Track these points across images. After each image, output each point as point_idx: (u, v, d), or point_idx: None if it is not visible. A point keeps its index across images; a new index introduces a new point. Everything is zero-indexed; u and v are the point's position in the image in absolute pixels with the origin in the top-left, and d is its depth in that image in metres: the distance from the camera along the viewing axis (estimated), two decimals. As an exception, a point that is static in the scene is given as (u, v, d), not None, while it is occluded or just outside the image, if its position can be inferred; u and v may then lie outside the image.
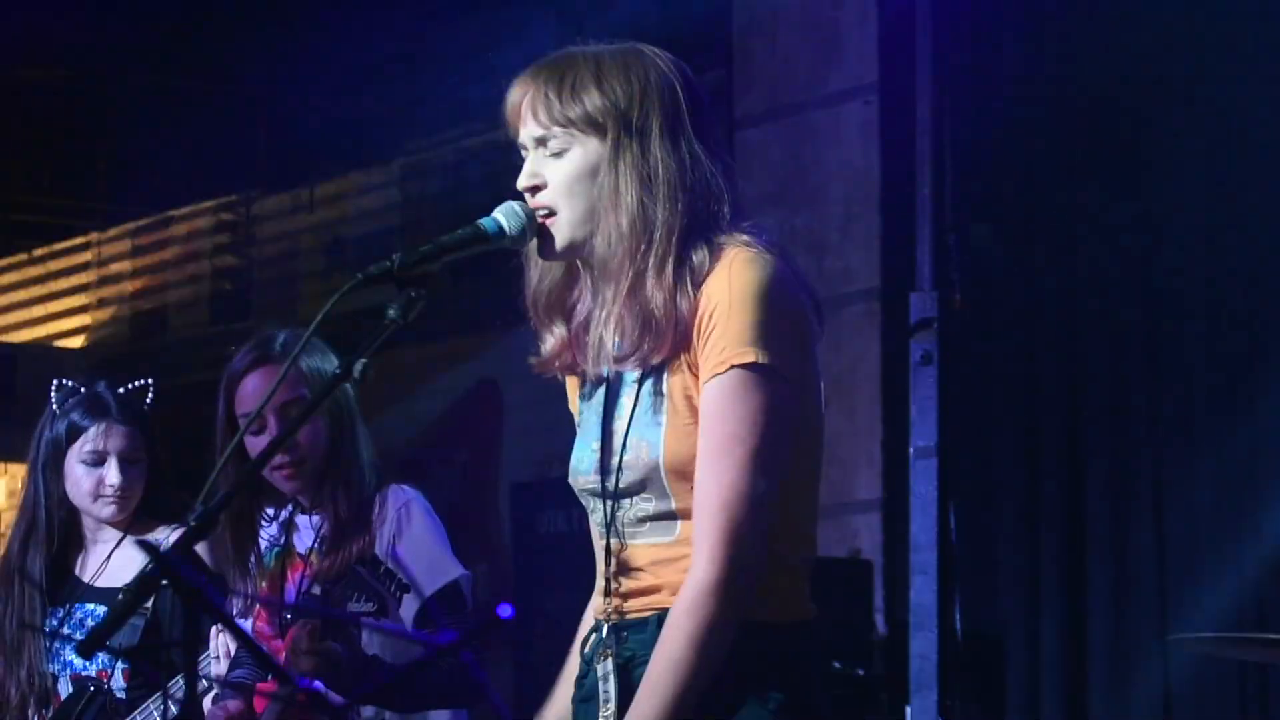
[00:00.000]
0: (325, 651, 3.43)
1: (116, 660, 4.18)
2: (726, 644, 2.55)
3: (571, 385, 2.85)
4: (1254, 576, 5.38)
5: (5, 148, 9.36)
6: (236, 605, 3.90)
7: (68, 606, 4.27)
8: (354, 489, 3.80)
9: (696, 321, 2.60)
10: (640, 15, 6.46)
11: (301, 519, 3.91)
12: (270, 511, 3.93)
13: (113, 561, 4.32)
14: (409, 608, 3.73)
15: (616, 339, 2.63)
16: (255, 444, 3.83)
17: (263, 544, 3.92)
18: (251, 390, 3.83)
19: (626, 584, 2.67)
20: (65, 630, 4.23)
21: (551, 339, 2.74)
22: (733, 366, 2.56)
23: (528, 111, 2.67)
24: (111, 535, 4.33)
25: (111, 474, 4.27)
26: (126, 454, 4.30)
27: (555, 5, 6.22)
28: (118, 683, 4.21)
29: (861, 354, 6.46)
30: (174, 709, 3.97)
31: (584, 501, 2.75)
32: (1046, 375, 5.89)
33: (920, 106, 5.22)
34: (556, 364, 2.77)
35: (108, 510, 4.29)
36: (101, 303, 10.69)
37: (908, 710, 5.17)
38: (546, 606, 6.77)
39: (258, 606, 3.88)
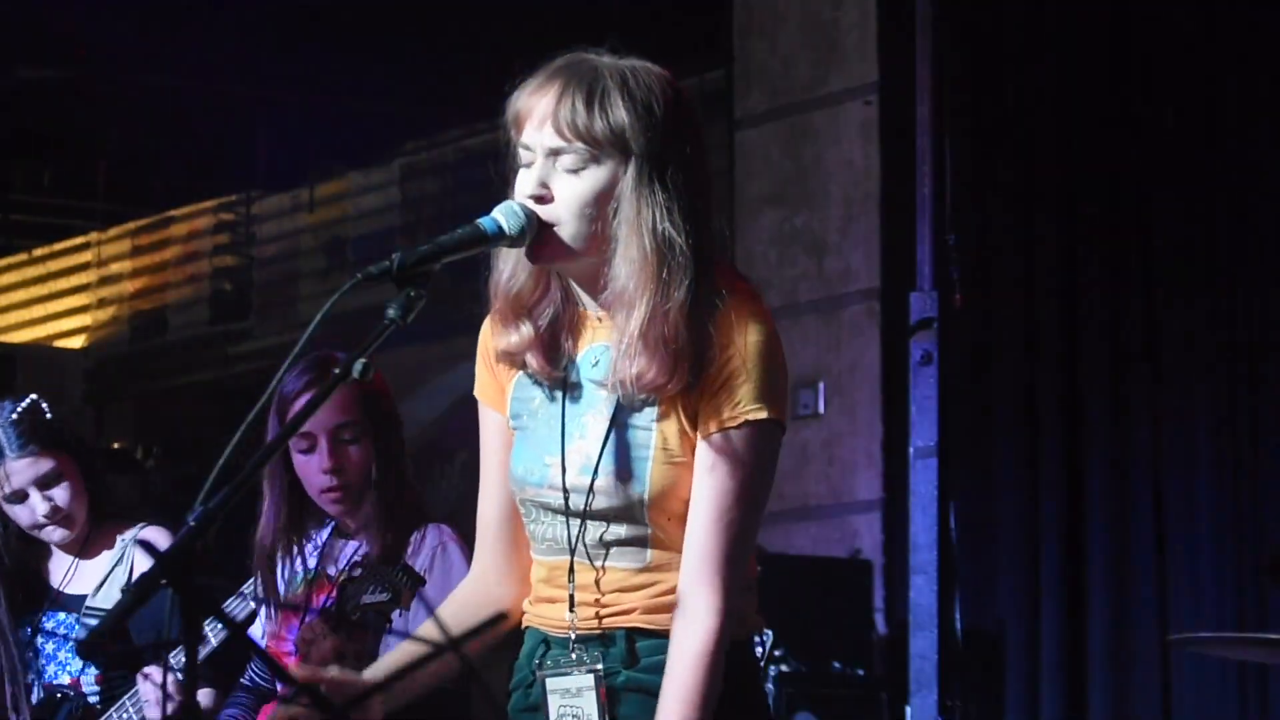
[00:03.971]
0: (337, 644, 3.40)
1: (87, 666, 4.12)
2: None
3: (502, 376, 2.77)
4: (1254, 576, 5.38)
5: (5, 148, 9.37)
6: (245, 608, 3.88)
7: (37, 616, 4.21)
8: (399, 518, 3.76)
9: (709, 369, 2.59)
10: (641, 15, 6.46)
11: (341, 544, 3.88)
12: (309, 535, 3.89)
13: (81, 566, 4.24)
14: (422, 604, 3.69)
15: (639, 369, 2.58)
16: (305, 463, 3.79)
17: (297, 571, 3.88)
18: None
19: (593, 603, 2.66)
20: (38, 639, 4.18)
21: (516, 337, 2.69)
22: (746, 422, 2.59)
23: (546, 118, 2.58)
24: (77, 544, 4.26)
25: (38, 505, 4.12)
26: (40, 480, 4.12)
27: (556, 6, 6.22)
28: (90, 688, 4.15)
29: (861, 354, 6.47)
30: (136, 717, 3.93)
31: (528, 511, 2.72)
32: (1046, 375, 5.89)
33: (920, 106, 5.21)
34: (512, 361, 2.72)
35: (57, 535, 4.17)
36: (101, 303, 10.69)
37: (908, 710, 5.16)
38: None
39: (277, 625, 3.86)
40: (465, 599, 2.84)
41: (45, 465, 4.12)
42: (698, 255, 2.59)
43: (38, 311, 10.87)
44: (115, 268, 10.65)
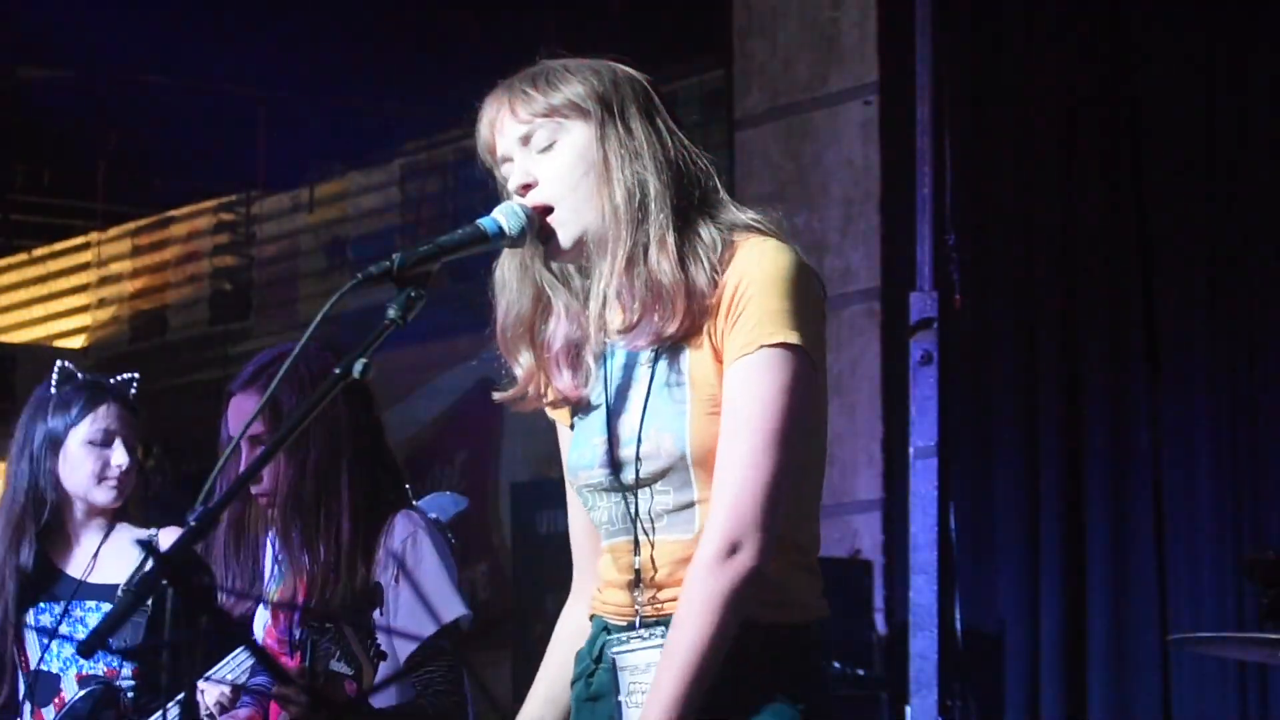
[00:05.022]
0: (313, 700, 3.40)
1: (124, 659, 4.14)
2: (741, 611, 2.53)
3: (559, 414, 2.80)
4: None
5: (5, 148, 9.38)
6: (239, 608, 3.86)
7: (65, 604, 4.22)
8: (333, 531, 3.69)
9: (725, 304, 2.58)
10: (641, 15, 6.47)
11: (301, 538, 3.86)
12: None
13: (102, 557, 4.25)
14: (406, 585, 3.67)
15: (621, 313, 2.60)
16: (233, 471, 3.77)
17: (268, 570, 3.86)
18: (233, 413, 3.78)
19: (650, 582, 2.64)
20: (65, 628, 4.19)
21: (519, 370, 2.72)
22: (761, 347, 2.55)
23: (506, 114, 2.66)
24: (96, 531, 4.28)
25: (119, 455, 4.23)
26: (129, 439, 4.27)
27: (555, 7, 6.22)
28: (126, 680, 4.16)
29: (861, 354, 6.47)
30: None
31: (586, 499, 2.72)
32: (1046, 375, 5.89)
33: (920, 106, 5.22)
34: (528, 396, 2.73)
35: (109, 494, 4.22)
36: (101, 303, 10.70)
37: (908, 710, 5.17)
38: (546, 606, 6.77)
39: (268, 626, 3.84)
40: (572, 626, 2.84)
41: (136, 430, 4.30)
42: (679, 193, 2.62)
43: (38, 311, 10.88)
44: (115, 268, 10.66)
